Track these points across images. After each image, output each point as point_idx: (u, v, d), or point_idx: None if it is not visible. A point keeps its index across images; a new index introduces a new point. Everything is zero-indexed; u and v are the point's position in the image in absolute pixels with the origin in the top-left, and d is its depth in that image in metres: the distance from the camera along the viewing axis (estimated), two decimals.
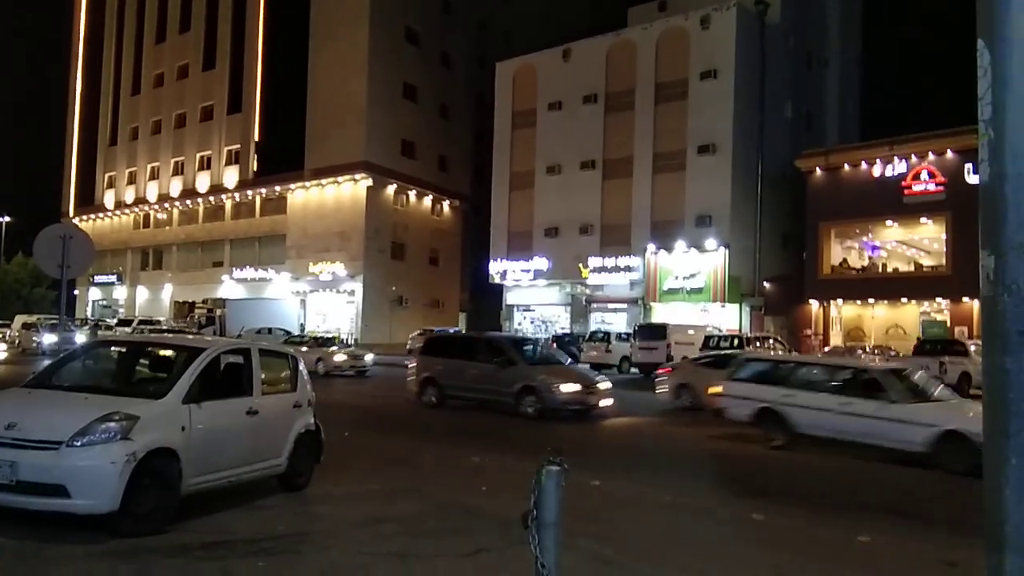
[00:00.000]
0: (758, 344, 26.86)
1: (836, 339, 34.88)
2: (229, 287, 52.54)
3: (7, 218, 66.37)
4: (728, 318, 35.92)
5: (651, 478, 9.85)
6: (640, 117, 39.77)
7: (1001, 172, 1.98)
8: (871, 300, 35.46)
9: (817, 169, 36.13)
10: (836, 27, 45.65)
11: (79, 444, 5.68)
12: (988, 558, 1.93)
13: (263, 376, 7.51)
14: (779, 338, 29.76)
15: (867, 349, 28.19)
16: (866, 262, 36.98)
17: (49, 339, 31.85)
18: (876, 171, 33.88)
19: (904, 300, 34.29)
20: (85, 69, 66.27)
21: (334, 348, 28.73)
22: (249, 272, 51.75)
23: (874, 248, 36.83)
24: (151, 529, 5.94)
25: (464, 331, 43.67)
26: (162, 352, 7.74)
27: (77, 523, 5.75)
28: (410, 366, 18.58)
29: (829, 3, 45.25)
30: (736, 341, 26.48)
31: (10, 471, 5.59)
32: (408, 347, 37.77)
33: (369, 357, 27.92)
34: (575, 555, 5.36)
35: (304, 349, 25.30)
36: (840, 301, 36.08)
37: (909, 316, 34.63)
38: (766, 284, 37.84)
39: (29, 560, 5.26)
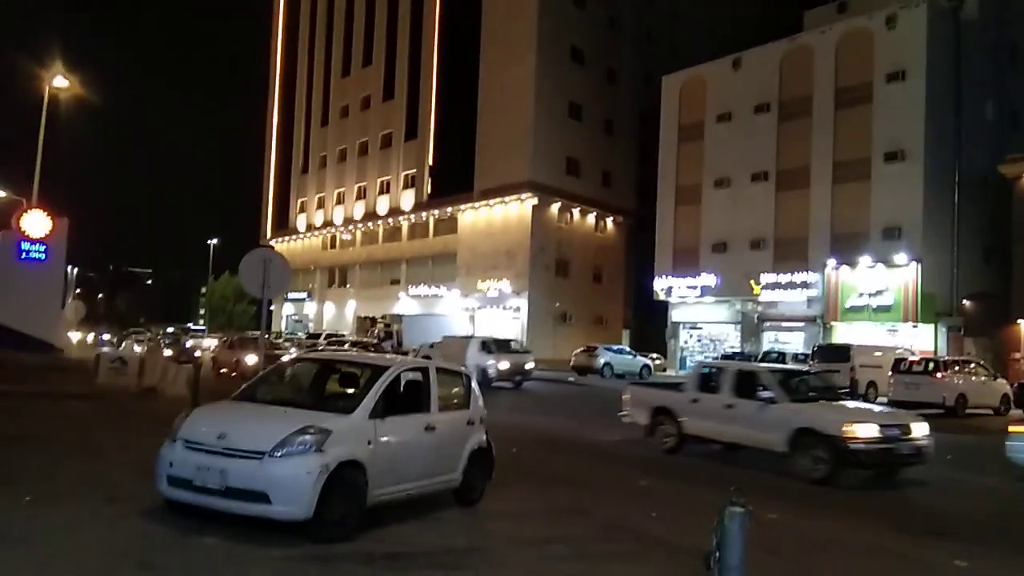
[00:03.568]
0: (956, 368, 24.37)
1: None
2: (405, 303, 55.39)
3: (215, 240, 74.51)
4: (921, 339, 32.95)
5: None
6: (818, 125, 37.68)
7: None
8: None
9: None
10: None
11: (279, 455, 6.19)
12: None
13: (440, 393, 7.84)
14: (982, 362, 26.83)
15: None
16: None
17: None
18: None
19: None
20: (281, 105, 72.97)
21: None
22: (423, 289, 54.35)
23: None
24: (341, 537, 6.34)
25: (629, 347, 43.19)
26: (350, 369, 8.29)
27: (276, 528, 6.25)
28: None
29: None
30: (931, 365, 24.18)
31: (220, 478, 6.19)
32: (571, 363, 37.88)
33: None
34: None
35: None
36: None
37: None
38: (965, 302, 34.37)
39: (235, 560, 5.79)
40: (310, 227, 67.98)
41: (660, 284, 44.00)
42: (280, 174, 72.70)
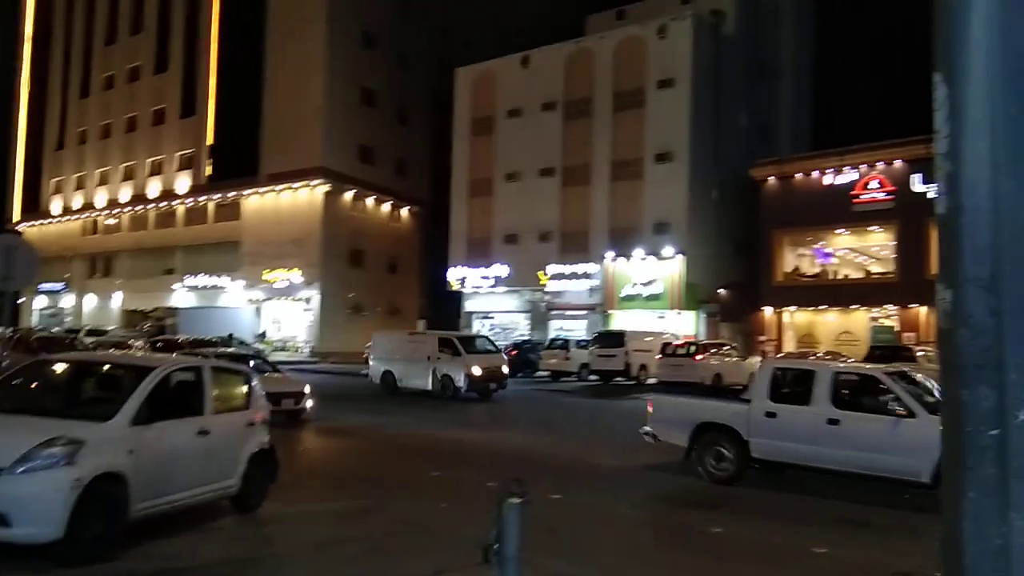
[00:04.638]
0: (713, 351, 27.20)
1: (789, 345, 35.51)
2: (181, 295, 51.38)
3: None
4: (685, 325, 36.32)
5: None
6: (598, 125, 40.07)
7: (958, 205, 1.95)
8: (823, 307, 36.22)
9: (771, 178, 36.81)
10: (790, 38, 46.61)
11: (21, 471, 5.44)
12: None
13: (215, 394, 7.31)
14: (734, 345, 30.19)
15: (818, 354, 28.72)
16: (818, 269, 37.75)
17: None
18: (828, 180, 34.67)
19: (854, 307, 35.10)
20: (32, 72, 64.34)
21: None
22: (202, 280, 50.68)
23: (825, 256, 37.63)
24: (98, 557, 5.72)
25: None
26: (109, 371, 7.47)
27: (20, 552, 5.50)
28: None
29: (783, 15, 46.19)
30: (692, 348, 26.77)
31: None
32: (365, 355, 37.33)
33: None
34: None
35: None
36: (793, 308, 36.77)
37: (859, 322, 35.45)
38: (722, 291, 38.37)
39: None
40: (67, 210, 60.68)
41: (454, 274, 44.61)
42: (30, 151, 64.10)
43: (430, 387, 22.01)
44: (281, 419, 14.05)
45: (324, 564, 6.06)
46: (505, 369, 23.31)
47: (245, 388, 7.97)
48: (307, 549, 6.51)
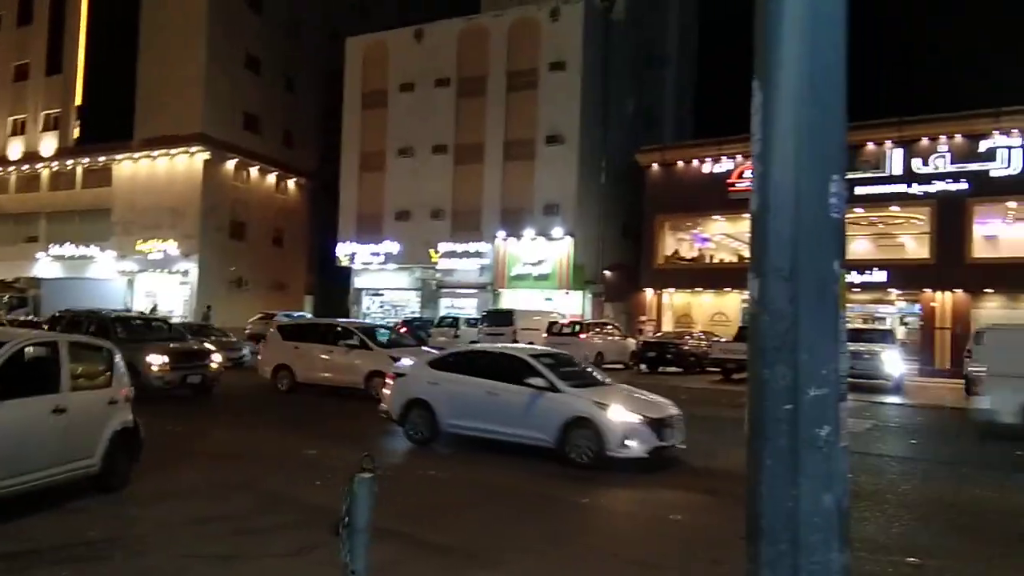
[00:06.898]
0: (597, 329, 28.07)
1: (668, 325, 37.06)
2: (45, 265, 47.93)
3: None
4: (572, 304, 37.21)
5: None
6: (492, 104, 40.11)
7: (766, 204, 2.16)
8: (699, 289, 37.98)
9: (654, 164, 38.08)
10: (675, 28, 48.05)
11: None
12: (748, 546, 2.17)
13: (74, 370, 6.96)
14: (617, 324, 31.24)
15: (693, 334, 30.17)
16: (696, 253, 39.49)
17: None
18: (706, 168, 36.22)
19: (728, 289, 36.95)
20: None
21: None
22: (68, 249, 47.44)
23: (703, 240, 39.41)
24: None
25: (312, 316, 42.42)
26: None
27: None
28: None
29: (670, 4, 47.55)
30: (577, 327, 27.51)
31: None
32: (247, 331, 36.14)
33: None
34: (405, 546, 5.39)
35: None
36: (672, 289, 38.34)
37: (732, 304, 37.40)
38: (607, 272, 39.50)
39: None
40: None
41: (343, 250, 43.72)
42: None
43: None
44: (629, 466, 9.00)
45: (186, 543, 5.94)
46: None
47: (106, 365, 7.62)
48: (169, 529, 6.36)
